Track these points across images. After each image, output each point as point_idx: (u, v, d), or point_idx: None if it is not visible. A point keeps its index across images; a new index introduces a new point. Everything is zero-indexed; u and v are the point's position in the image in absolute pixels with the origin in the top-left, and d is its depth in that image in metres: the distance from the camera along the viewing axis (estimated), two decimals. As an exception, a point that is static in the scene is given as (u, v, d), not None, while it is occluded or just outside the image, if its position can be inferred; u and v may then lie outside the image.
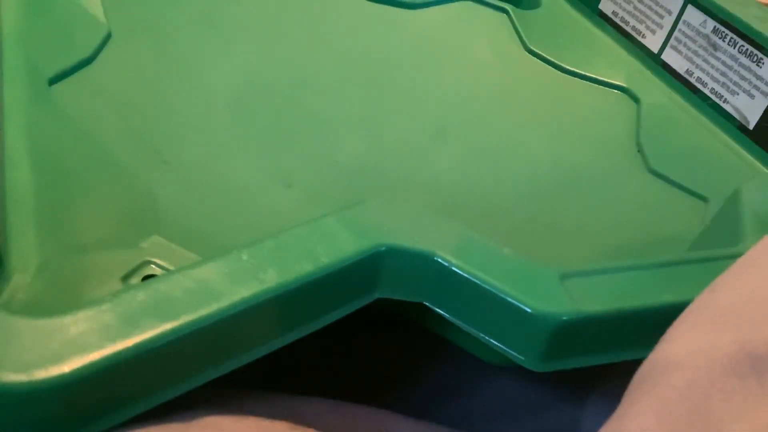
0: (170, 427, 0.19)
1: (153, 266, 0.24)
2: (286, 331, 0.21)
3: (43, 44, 0.31)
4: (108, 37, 0.34)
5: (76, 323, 0.18)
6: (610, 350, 0.22)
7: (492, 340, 0.22)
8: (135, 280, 0.24)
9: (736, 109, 0.37)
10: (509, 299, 0.21)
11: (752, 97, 0.37)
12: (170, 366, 0.19)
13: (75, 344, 0.17)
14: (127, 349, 0.18)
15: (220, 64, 0.36)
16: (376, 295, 0.22)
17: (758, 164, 0.36)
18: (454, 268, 0.22)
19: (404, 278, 0.22)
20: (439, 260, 0.22)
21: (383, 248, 0.22)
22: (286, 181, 0.30)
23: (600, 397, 0.29)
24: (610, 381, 0.28)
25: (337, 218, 0.22)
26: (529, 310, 0.21)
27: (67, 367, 0.17)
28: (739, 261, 0.19)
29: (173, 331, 0.18)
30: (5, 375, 0.16)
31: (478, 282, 0.21)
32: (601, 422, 0.18)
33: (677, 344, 0.17)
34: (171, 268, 0.24)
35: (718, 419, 0.15)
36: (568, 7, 0.48)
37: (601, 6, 0.46)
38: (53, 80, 0.30)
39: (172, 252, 0.25)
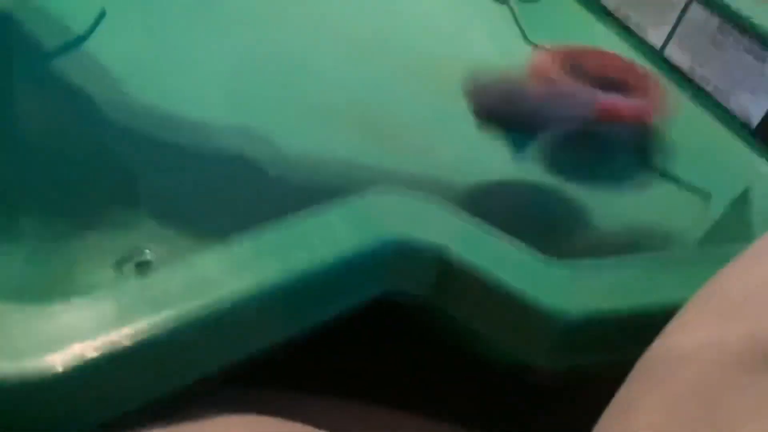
0: (163, 422, 0.18)
1: (147, 252, 0.23)
2: (286, 326, 0.20)
3: (36, 23, 0.31)
4: (102, 15, 0.33)
5: (69, 312, 0.17)
6: (619, 347, 0.21)
7: (499, 337, 0.21)
8: (128, 265, 0.23)
9: (740, 106, 0.37)
10: (519, 295, 0.21)
11: (755, 94, 0.36)
12: (166, 359, 0.18)
13: (68, 334, 0.17)
14: (122, 341, 0.17)
15: (216, 45, 0.35)
16: (379, 290, 0.22)
17: (761, 161, 0.35)
18: (461, 263, 0.21)
19: (408, 273, 0.22)
20: (446, 255, 0.21)
21: (386, 242, 0.21)
22: (282, 168, 0.30)
23: (598, 394, 0.28)
24: (608, 378, 0.28)
25: (339, 209, 0.21)
26: (537, 307, 0.21)
27: (59, 358, 0.16)
28: (746, 251, 0.18)
29: (169, 322, 0.17)
30: (-5, 365, 0.16)
31: (487, 277, 0.21)
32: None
33: (685, 335, 0.17)
34: (165, 254, 0.23)
35: (730, 415, 0.15)
36: (570, 0, 0.47)
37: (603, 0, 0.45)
38: (46, 58, 0.30)
39: (165, 238, 0.24)
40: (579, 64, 0.33)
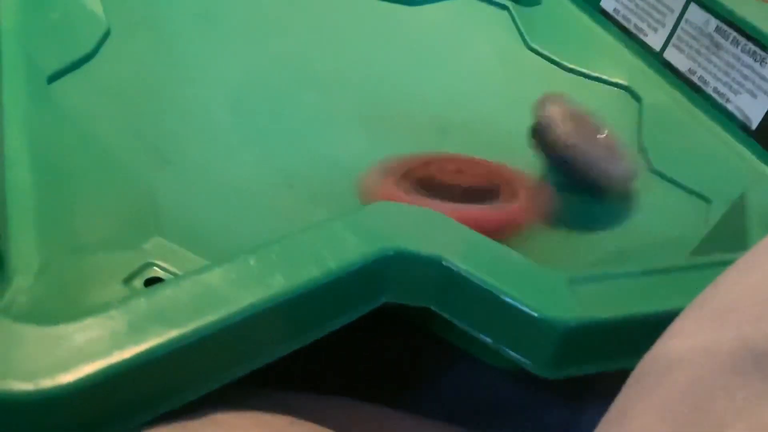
0: (170, 423, 0.19)
1: (155, 268, 0.24)
2: (294, 336, 0.20)
3: (42, 41, 0.31)
4: (107, 33, 0.33)
5: (82, 330, 0.18)
6: (618, 356, 0.22)
7: (500, 346, 0.22)
8: (137, 282, 0.23)
9: (739, 109, 0.37)
10: (517, 304, 0.21)
11: (755, 96, 0.37)
12: (177, 374, 0.18)
13: (82, 352, 0.17)
14: (134, 357, 0.17)
15: (221, 61, 0.36)
16: (383, 300, 0.22)
17: (761, 164, 0.36)
18: (461, 273, 0.21)
19: (411, 283, 0.22)
20: (447, 264, 0.22)
21: (391, 252, 0.21)
22: (288, 181, 0.30)
23: (599, 396, 0.29)
24: (609, 380, 0.28)
25: (344, 222, 0.22)
26: (536, 316, 0.21)
27: (73, 376, 0.17)
28: (743, 257, 0.19)
29: (180, 338, 0.18)
30: (11, 383, 0.16)
31: (486, 287, 0.21)
32: (599, 421, 0.18)
33: (679, 340, 0.17)
34: (173, 269, 0.24)
35: (721, 418, 0.15)
36: (569, 4, 0.47)
37: (602, 3, 0.45)
38: (52, 78, 0.30)
39: (174, 253, 0.24)
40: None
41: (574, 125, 0.31)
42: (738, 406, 0.15)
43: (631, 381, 0.18)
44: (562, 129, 0.31)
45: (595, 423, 0.18)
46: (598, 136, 0.31)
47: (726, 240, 0.28)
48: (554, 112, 0.31)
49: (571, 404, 0.29)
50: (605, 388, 0.28)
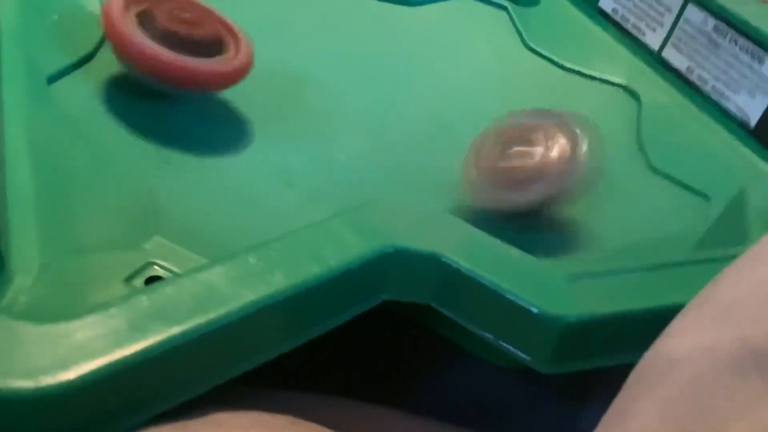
0: (170, 423, 0.19)
1: (156, 267, 0.24)
2: (294, 334, 0.20)
3: (42, 42, 0.31)
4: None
5: (82, 328, 0.18)
6: (618, 352, 0.22)
7: (499, 342, 0.22)
8: (138, 281, 0.23)
9: (738, 107, 0.37)
10: (516, 300, 0.21)
11: (753, 95, 0.37)
12: (178, 371, 0.18)
13: (82, 350, 0.17)
14: (135, 355, 0.17)
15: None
16: (383, 297, 0.22)
17: (759, 162, 0.36)
18: (461, 269, 0.22)
19: (411, 280, 0.22)
20: (447, 261, 0.22)
21: (390, 249, 0.22)
22: (288, 181, 0.30)
23: (599, 395, 0.29)
24: (609, 379, 0.28)
25: (344, 219, 0.22)
26: (536, 311, 0.21)
27: (74, 373, 0.17)
28: (743, 256, 0.19)
29: (181, 335, 0.18)
30: (12, 381, 0.16)
31: (485, 283, 0.21)
32: (599, 420, 0.18)
33: (679, 340, 0.17)
34: (174, 268, 0.24)
35: (721, 417, 0.15)
36: (567, 4, 0.47)
37: (601, 3, 0.46)
38: (52, 78, 0.30)
39: (174, 253, 0.24)
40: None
41: (489, 178, 0.30)
42: (738, 406, 0.15)
43: (631, 380, 0.18)
44: (476, 197, 0.31)
45: (595, 422, 0.18)
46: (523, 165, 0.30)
47: (725, 237, 0.28)
48: (468, 176, 0.31)
49: (571, 403, 0.30)
50: (606, 387, 0.28)
